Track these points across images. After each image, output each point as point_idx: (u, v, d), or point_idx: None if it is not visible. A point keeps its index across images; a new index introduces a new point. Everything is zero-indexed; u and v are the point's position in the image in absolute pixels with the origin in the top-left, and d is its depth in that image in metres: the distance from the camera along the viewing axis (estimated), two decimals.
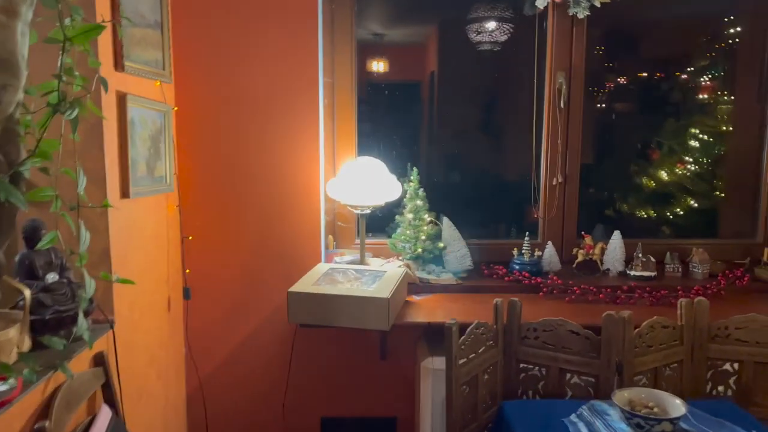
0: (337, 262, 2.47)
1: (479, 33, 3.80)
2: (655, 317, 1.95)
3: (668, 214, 3.99)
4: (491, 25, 3.81)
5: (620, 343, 1.89)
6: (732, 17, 3.72)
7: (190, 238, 2.44)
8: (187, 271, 2.45)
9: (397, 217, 2.60)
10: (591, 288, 2.36)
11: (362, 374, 2.62)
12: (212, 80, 2.41)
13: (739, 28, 3.72)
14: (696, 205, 3.92)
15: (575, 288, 2.37)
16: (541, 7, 2.52)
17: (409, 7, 4.41)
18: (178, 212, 2.40)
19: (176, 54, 2.33)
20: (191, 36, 2.37)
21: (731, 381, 2.00)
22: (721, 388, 2.00)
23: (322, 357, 2.60)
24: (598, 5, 2.45)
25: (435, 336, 2.40)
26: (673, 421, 1.54)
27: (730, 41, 3.84)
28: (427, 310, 2.28)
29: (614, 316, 1.88)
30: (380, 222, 2.83)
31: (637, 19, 3.18)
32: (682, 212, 3.91)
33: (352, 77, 2.58)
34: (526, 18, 2.80)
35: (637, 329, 1.91)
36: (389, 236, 2.65)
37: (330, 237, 2.60)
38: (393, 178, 2.46)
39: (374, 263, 2.51)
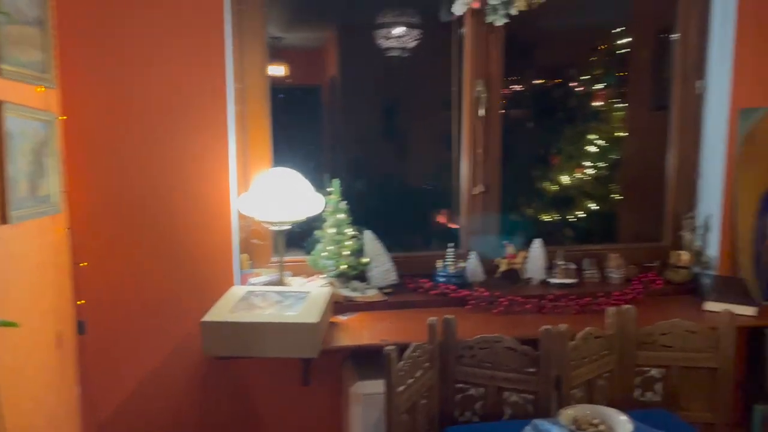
0: (253, 284, 2.28)
1: (388, 39, 3.74)
2: (587, 328, 1.94)
3: (570, 217, 4.14)
4: (399, 30, 3.76)
5: (558, 358, 1.85)
6: (622, 28, 3.92)
7: (84, 264, 2.14)
8: (82, 302, 2.15)
9: (316, 232, 2.43)
10: (518, 299, 2.34)
11: (283, 403, 2.42)
12: (105, 85, 2.13)
13: (629, 39, 3.92)
14: (597, 207, 4.09)
15: (502, 300, 2.33)
16: (459, 14, 2.46)
17: (308, 10, 4.24)
18: (68, 235, 2.10)
19: (63, 56, 2.04)
20: (79, 35, 2.08)
21: (657, 386, 2.04)
22: (649, 395, 2.03)
23: (239, 387, 2.38)
24: (515, 13, 2.42)
25: (362, 358, 2.27)
26: None
27: (621, 51, 4.04)
28: (353, 331, 2.15)
29: (552, 330, 1.84)
30: (296, 237, 2.65)
31: (533, 27, 3.20)
32: (585, 215, 4.07)
33: (264, 82, 2.39)
34: (439, 25, 2.74)
35: (572, 342, 1.89)
36: (307, 252, 2.49)
37: (245, 256, 2.40)
38: (313, 190, 2.31)
39: (295, 283, 2.34)
